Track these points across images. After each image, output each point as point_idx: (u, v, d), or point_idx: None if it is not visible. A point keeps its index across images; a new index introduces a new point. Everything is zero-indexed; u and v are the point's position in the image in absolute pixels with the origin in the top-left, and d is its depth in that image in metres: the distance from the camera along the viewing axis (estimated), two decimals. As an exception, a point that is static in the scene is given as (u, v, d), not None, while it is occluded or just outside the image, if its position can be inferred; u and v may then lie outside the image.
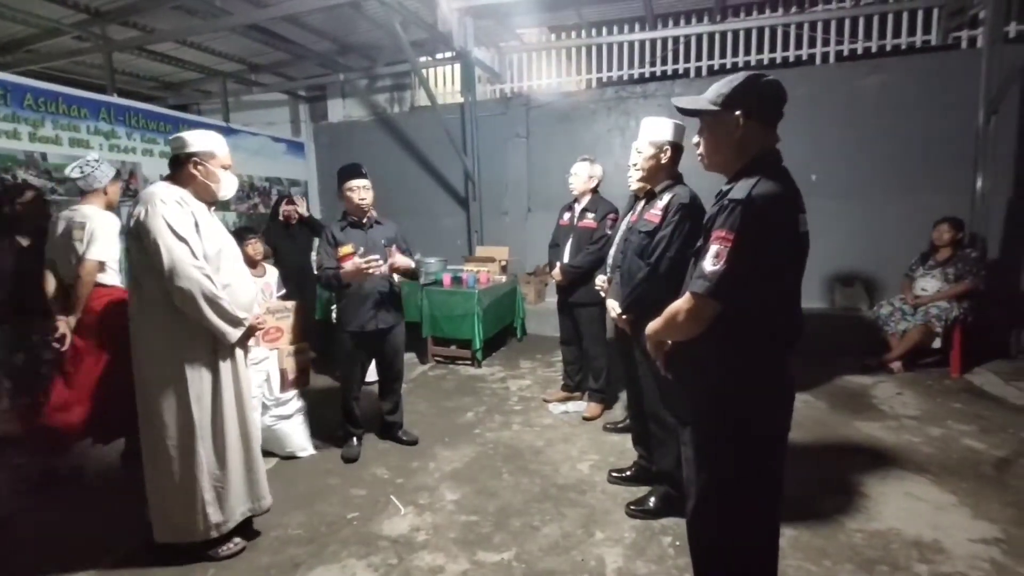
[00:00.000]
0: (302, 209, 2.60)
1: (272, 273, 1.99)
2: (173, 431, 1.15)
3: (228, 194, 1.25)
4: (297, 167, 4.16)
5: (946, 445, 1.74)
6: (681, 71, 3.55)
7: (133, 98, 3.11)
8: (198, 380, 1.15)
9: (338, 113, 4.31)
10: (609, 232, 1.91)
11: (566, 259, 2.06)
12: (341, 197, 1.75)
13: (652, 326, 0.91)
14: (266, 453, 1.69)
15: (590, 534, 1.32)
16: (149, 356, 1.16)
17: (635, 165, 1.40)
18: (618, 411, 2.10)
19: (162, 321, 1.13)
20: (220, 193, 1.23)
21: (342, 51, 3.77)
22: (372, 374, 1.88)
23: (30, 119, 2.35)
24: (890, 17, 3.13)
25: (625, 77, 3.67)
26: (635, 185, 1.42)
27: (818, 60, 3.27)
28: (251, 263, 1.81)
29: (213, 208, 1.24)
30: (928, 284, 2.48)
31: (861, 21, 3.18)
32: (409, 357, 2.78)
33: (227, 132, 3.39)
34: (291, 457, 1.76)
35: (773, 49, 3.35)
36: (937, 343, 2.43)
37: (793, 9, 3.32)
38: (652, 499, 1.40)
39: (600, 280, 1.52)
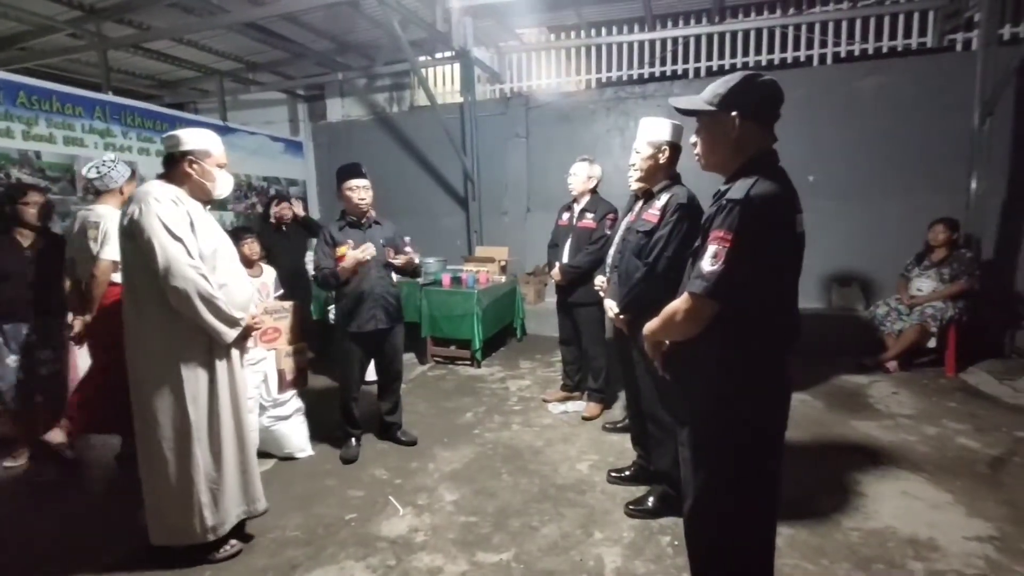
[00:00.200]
0: (298, 209, 2.56)
1: (269, 273, 1.98)
2: (169, 432, 1.14)
3: (224, 193, 1.25)
4: (296, 167, 4.14)
5: (941, 444, 1.76)
6: (680, 72, 3.56)
7: (129, 96, 3.08)
8: (194, 381, 1.14)
9: (337, 112, 4.29)
10: (608, 232, 1.91)
11: (565, 259, 2.06)
12: (340, 197, 1.75)
13: (650, 326, 0.91)
14: (264, 454, 1.69)
15: (589, 534, 1.33)
16: (144, 356, 1.15)
17: (633, 165, 1.40)
18: (617, 411, 2.11)
19: (157, 321, 1.12)
20: (216, 192, 1.22)
21: (341, 50, 3.75)
22: (371, 374, 1.87)
23: (24, 117, 2.33)
24: (887, 19, 3.15)
25: (624, 78, 3.67)
26: (635, 185, 1.42)
27: (816, 61, 3.29)
28: (247, 263, 1.80)
29: (208, 207, 1.23)
30: (924, 284, 2.50)
31: (858, 23, 3.20)
32: (408, 357, 2.77)
33: (224, 131, 3.38)
34: (289, 458, 1.75)
35: (771, 50, 3.37)
36: (932, 343, 2.45)
37: (791, 11, 3.34)
38: (651, 499, 1.40)
39: (599, 280, 1.52)
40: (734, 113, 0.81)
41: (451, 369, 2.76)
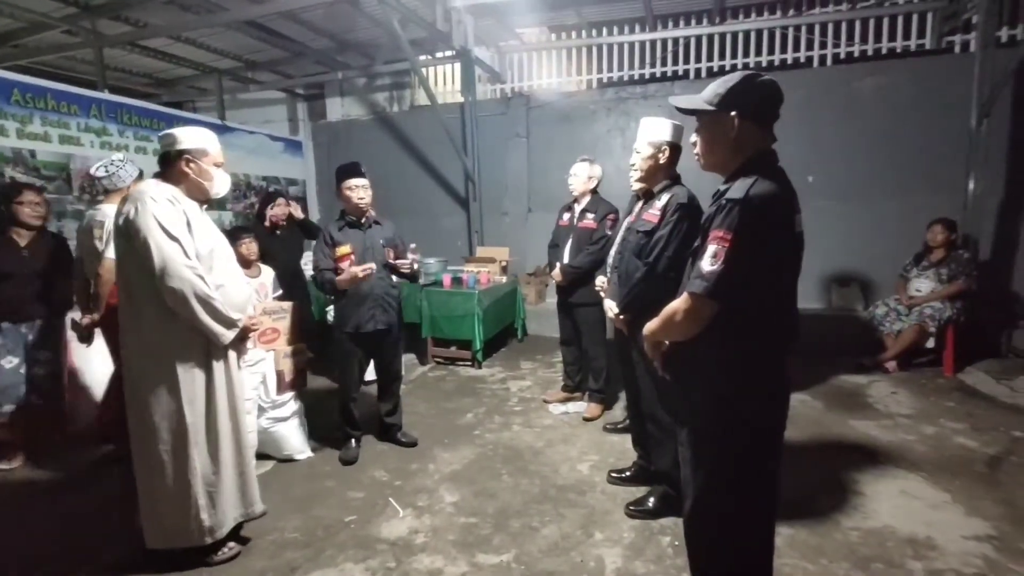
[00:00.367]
0: (297, 212, 2.46)
1: (268, 273, 1.96)
2: (165, 435, 1.13)
3: (221, 192, 1.24)
4: (295, 166, 4.12)
5: (939, 443, 1.77)
6: (681, 72, 3.56)
7: (125, 95, 3.05)
8: (191, 382, 1.13)
9: (337, 112, 4.27)
10: (609, 232, 1.91)
11: (566, 259, 2.06)
12: (339, 196, 1.74)
13: (650, 326, 0.91)
14: (263, 456, 1.69)
15: (589, 535, 1.33)
16: (140, 358, 1.14)
17: (633, 165, 1.40)
18: (618, 411, 2.11)
19: (153, 322, 1.11)
20: (213, 191, 1.21)
21: (340, 49, 3.74)
22: (371, 373, 1.87)
23: (18, 115, 2.31)
24: (886, 20, 3.16)
25: (625, 78, 3.67)
26: (636, 185, 1.42)
27: (816, 62, 3.30)
28: (245, 263, 1.79)
29: (205, 207, 1.22)
30: (922, 285, 2.51)
31: (858, 24, 3.21)
32: (409, 358, 2.77)
33: (223, 130, 3.35)
34: (288, 460, 1.75)
35: (772, 51, 3.37)
36: (931, 343, 2.46)
37: (791, 12, 3.34)
38: (651, 499, 1.41)
39: (600, 281, 1.52)
40: (733, 113, 0.81)
41: (452, 370, 2.75)
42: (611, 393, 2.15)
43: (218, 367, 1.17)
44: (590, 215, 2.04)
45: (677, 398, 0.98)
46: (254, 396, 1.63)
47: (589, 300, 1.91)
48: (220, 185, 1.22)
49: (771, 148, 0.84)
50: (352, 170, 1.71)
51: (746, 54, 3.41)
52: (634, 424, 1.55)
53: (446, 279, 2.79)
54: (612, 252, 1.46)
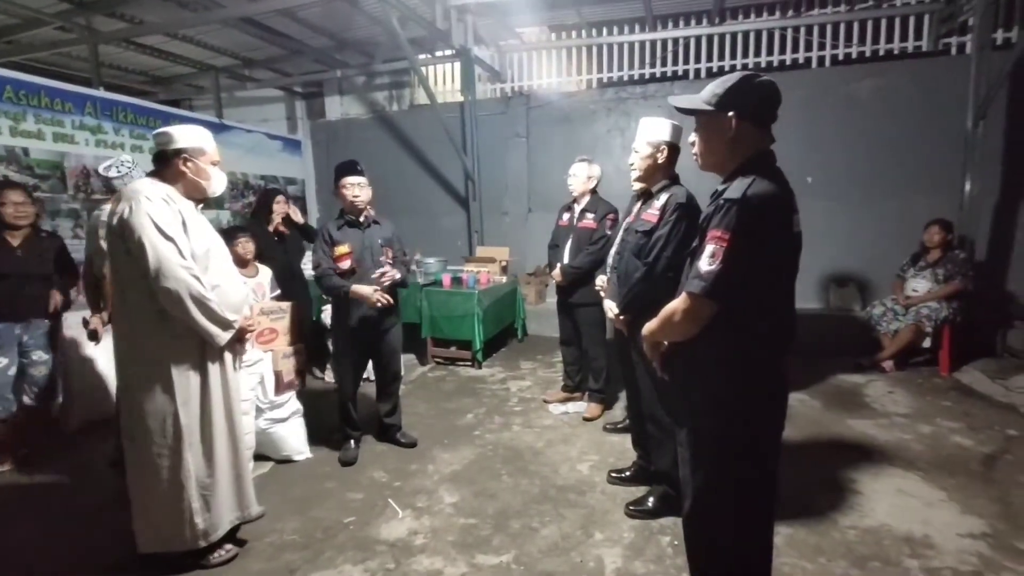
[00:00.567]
0: (296, 216, 2.43)
1: (265, 273, 1.95)
2: (159, 437, 1.11)
3: (218, 191, 1.22)
4: (294, 165, 4.09)
5: (936, 442, 1.78)
6: (680, 72, 3.57)
7: (121, 92, 3.01)
8: (185, 384, 1.12)
9: (335, 110, 4.25)
10: (609, 232, 1.91)
11: (566, 260, 2.06)
12: (337, 194, 1.73)
13: (649, 327, 0.91)
14: (262, 457, 1.68)
15: (589, 535, 1.33)
16: (134, 359, 1.12)
17: (632, 165, 1.40)
18: (618, 411, 2.11)
19: (148, 323, 1.10)
20: (210, 190, 1.20)
21: (339, 47, 3.71)
22: (371, 371, 1.86)
23: (11, 113, 2.28)
24: (884, 22, 3.18)
25: (625, 78, 3.67)
26: (636, 185, 1.42)
27: (814, 63, 3.31)
28: (241, 263, 1.77)
29: (201, 206, 1.21)
30: (919, 285, 2.53)
31: (856, 26, 3.23)
32: (409, 358, 2.75)
33: (220, 128, 3.32)
34: (287, 461, 1.74)
35: (771, 52, 3.39)
36: (927, 342, 2.48)
37: (790, 13, 3.36)
38: (651, 499, 1.41)
39: (600, 281, 1.52)
40: (731, 113, 0.81)
41: (451, 370, 2.74)
42: (611, 393, 2.16)
43: (213, 368, 1.16)
44: (590, 215, 2.04)
45: (676, 398, 0.98)
46: (252, 397, 1.62)
47: (589, 300, 1.91)
48: (217, 184, 1.21)
49: (769, 148, 0.85)
50: (349, 168, 1.70)
51: (745, 55, 3.43)
52: (634, 424, 1.55)
53: (446, 279, 2.78)
54: (612, 252, 1.46)
